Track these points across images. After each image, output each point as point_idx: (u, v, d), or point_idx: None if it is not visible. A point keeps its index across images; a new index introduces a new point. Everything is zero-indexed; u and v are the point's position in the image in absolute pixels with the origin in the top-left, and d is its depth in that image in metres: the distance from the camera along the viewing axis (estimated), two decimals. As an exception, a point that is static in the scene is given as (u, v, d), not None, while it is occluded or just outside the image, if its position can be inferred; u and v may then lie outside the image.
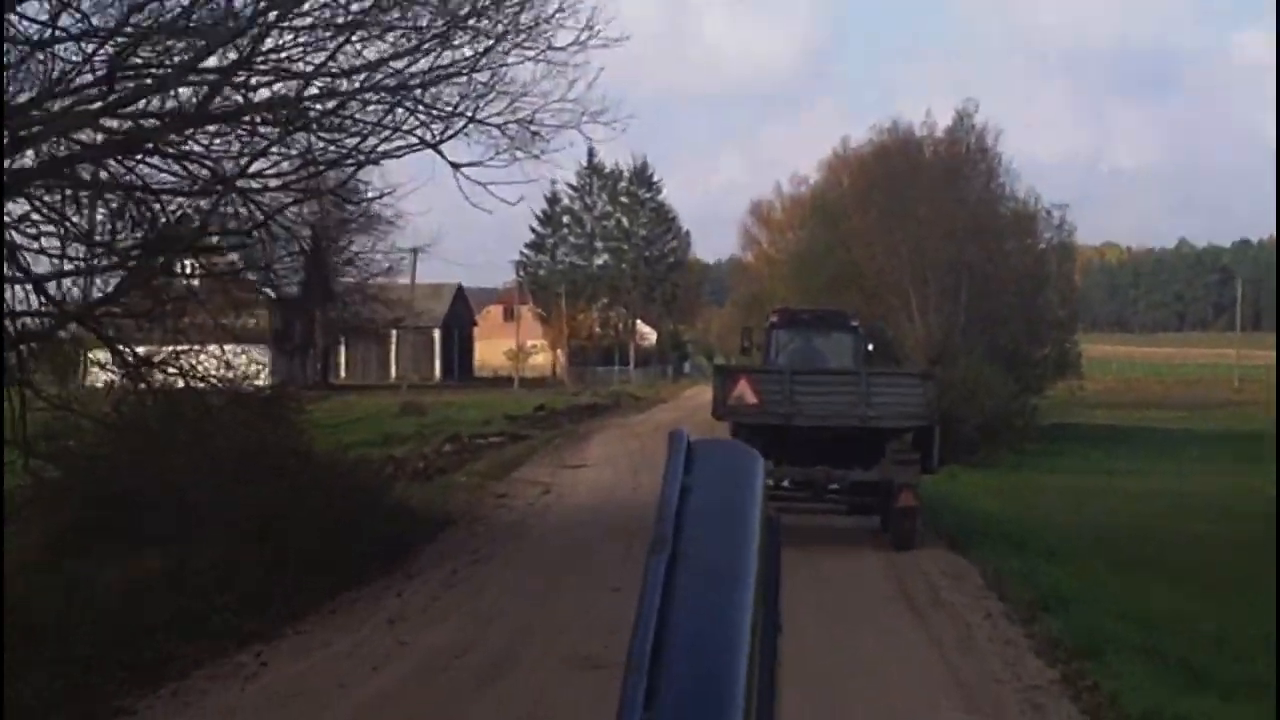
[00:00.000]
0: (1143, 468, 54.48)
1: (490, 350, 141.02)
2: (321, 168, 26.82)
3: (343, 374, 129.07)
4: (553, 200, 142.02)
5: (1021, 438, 57.54)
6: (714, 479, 1.79)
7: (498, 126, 26.73)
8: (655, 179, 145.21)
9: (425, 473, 42.12)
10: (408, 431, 60.82)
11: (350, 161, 26.71)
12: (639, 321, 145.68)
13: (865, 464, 27.48)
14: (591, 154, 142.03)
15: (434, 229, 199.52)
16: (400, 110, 25.35)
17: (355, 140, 25.69)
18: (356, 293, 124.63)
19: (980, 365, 55.13)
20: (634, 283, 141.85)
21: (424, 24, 24.83)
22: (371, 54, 24.56)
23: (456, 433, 58.04)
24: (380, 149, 25.82)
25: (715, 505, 1.73)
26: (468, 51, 25.54)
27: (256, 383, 36.22)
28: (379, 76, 24.70)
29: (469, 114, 25.29)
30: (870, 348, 34.90)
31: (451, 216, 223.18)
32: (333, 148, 25.76)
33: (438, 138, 25.41)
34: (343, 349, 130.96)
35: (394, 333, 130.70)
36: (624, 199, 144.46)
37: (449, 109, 25.38)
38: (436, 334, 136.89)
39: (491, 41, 25.68)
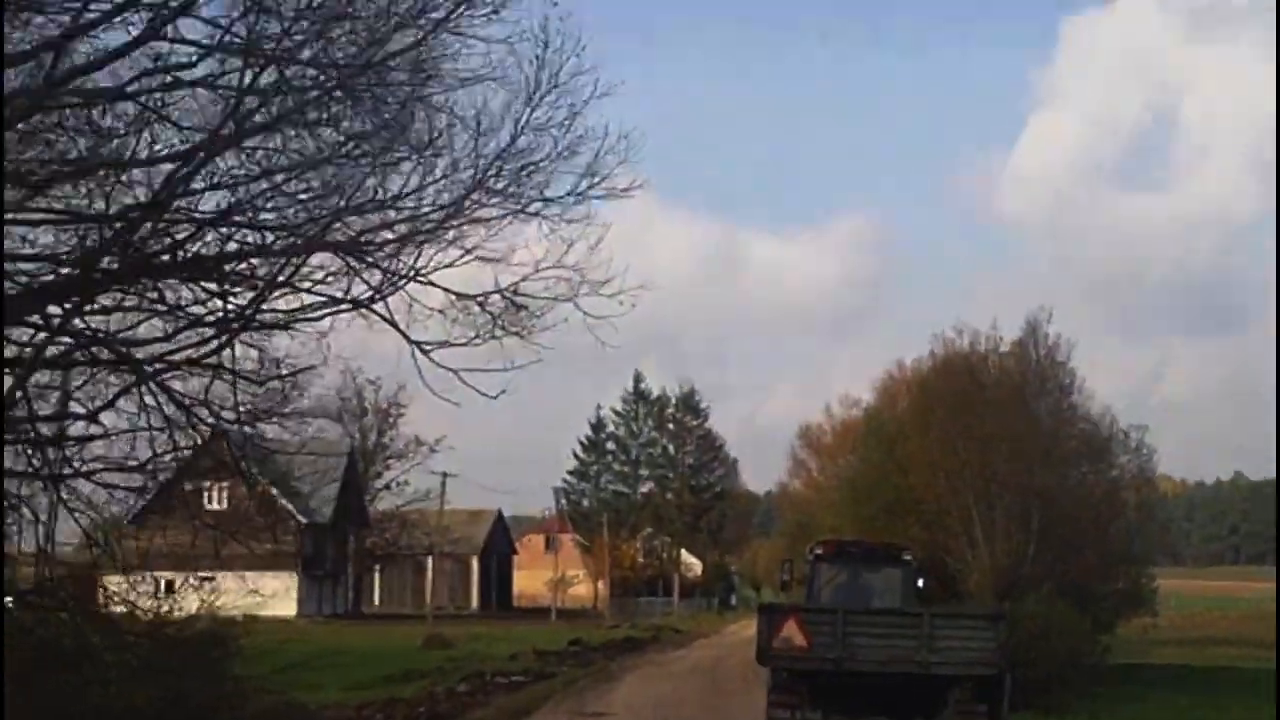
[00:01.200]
0: (1232, 715, 47.64)
1: (530, 580, 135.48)
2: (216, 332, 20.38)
3: (376, 602, 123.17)
4: (597, 426, 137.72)
5: (1095, 682, 50.90)
6: None
7: (470, 298, 21.00)
8: (702, 405, 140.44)
9: (421, 720, 36.06)
10: (428, 667, 56.28)
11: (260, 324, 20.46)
12: (684, 552, 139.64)
13: (925, 714, 24.69)
14: (638, 380, 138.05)
15: (473, 455, 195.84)
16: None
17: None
18: (392, 519, 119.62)
19: (1053, 600, 48.66)
20: (679, 512, 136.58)
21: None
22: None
23: (478, 670, 53.52)
24: (298, 310, 19.67)
25: None
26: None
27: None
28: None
29: (412, 270, 19.27)
30: (921, 583, 31.99)
31: (493, 444, 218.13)
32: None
33: (375, 295, 19.37)
34: (377, 576, 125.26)
35: (429, 560, 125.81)
36: (670, 426, 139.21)
37: (388, 266, 19.38)
38: (474, 562, 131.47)
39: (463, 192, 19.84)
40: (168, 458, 22.52)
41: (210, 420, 22.59)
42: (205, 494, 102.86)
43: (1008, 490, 53.47)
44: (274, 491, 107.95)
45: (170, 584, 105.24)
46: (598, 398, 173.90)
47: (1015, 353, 57.90)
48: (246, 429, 24.08)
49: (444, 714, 38.94)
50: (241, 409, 22.52)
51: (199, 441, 23.08)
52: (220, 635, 25.00)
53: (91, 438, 21.06)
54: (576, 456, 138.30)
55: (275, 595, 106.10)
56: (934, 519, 56.24)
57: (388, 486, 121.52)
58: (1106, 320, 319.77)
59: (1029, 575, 52.11)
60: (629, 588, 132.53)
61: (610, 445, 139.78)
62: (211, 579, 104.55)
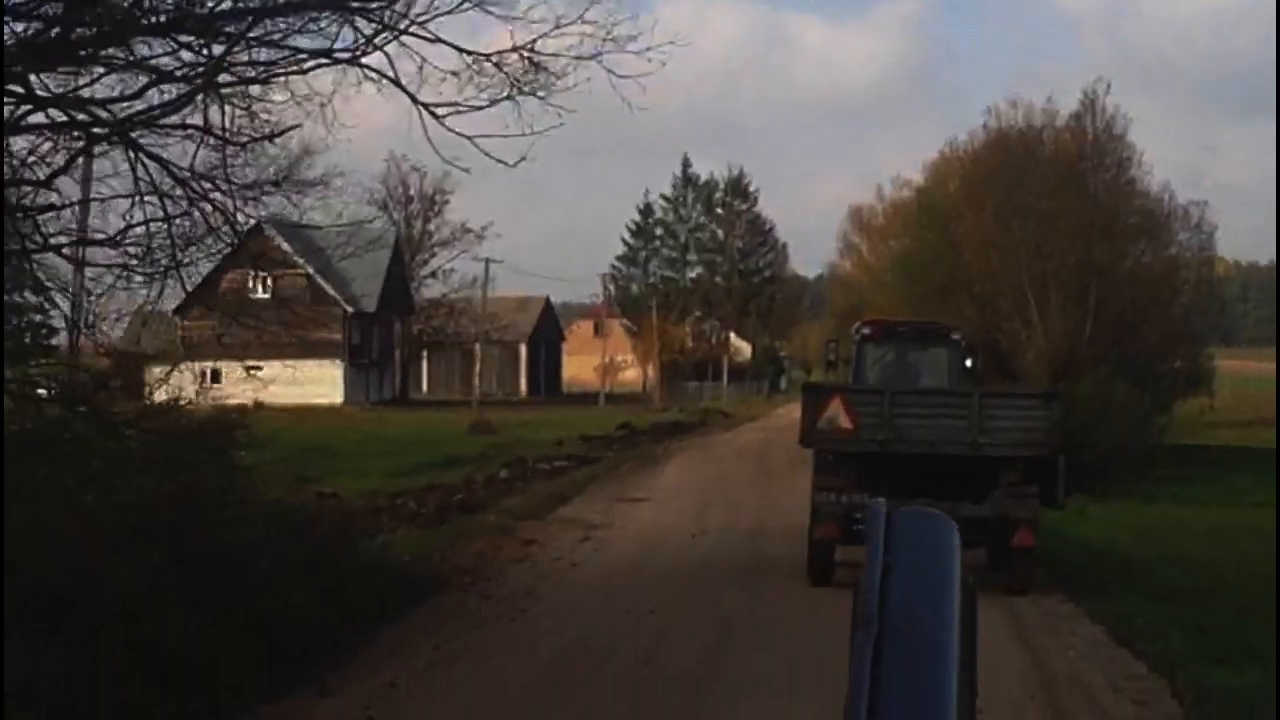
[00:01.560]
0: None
1: (579, 366, 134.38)
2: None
3: (424, 389, 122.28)
4: (645, 212, 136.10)
5: (1151, 464, 49.33)
6: (913, 553, 1.74)
7: (485, 56, 19.12)
8: (752, 189, 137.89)
9: (453, 509, 34.68)
10: (472, 453, 55.44)
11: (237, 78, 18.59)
12: (733, 336, 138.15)
13: (975, 497, 22.87)
14: (686, 164, 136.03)
15: (521, 243, 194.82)
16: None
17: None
18: (439, 306, 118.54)
19: (1110, 381, 46.94)
20: (728, 296, 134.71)
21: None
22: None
23: (521, 455, 52.22)
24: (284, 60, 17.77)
25: (916, 581, 1.70)
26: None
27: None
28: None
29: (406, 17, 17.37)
30: (970, 363, 30.67)
31: (542, 231, 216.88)
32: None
33: (367, 45, 17.50)
34: (424, 364, 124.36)
35: (478, 347, 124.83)
36: (719, 210, 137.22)
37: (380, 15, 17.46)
38: (523, 349, 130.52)
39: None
40: (160, 232, 20.42)
41: (210, 190, 20.73)
42: (251, 282, 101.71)
43: (1064, 268, 51.52)
44: (319, 279, 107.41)
45: (216, 373, 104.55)
46: (647, 185, 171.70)
47: (1071, 127, 55.51)
48: (251, 201, 22.00)
49: (480, 501, 37.49)
50: (236, 179, 20.63)
51: (199, 214, 21.07)
52: (228, 423, 23.07)
53: (52, 208, 19.16)
54: (625, 242, 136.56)
55: (322, 383, 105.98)
56: (987, 299, 54.42)
57: (434, 274, 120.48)
58: (1163, 107, 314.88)
59: (1085, 355, 50.36)
60: (678, 372, 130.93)
61: (659, 231, 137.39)
62: (258, 368, 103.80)
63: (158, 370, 27.48)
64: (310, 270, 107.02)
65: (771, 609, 21.06)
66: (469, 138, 20.67)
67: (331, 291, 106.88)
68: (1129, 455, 46.90)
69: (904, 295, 64.04)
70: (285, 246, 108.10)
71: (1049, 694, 15.89)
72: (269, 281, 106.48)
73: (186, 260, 20.47)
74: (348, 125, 20.89)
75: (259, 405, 29.91)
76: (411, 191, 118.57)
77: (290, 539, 20.53)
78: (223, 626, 16.09)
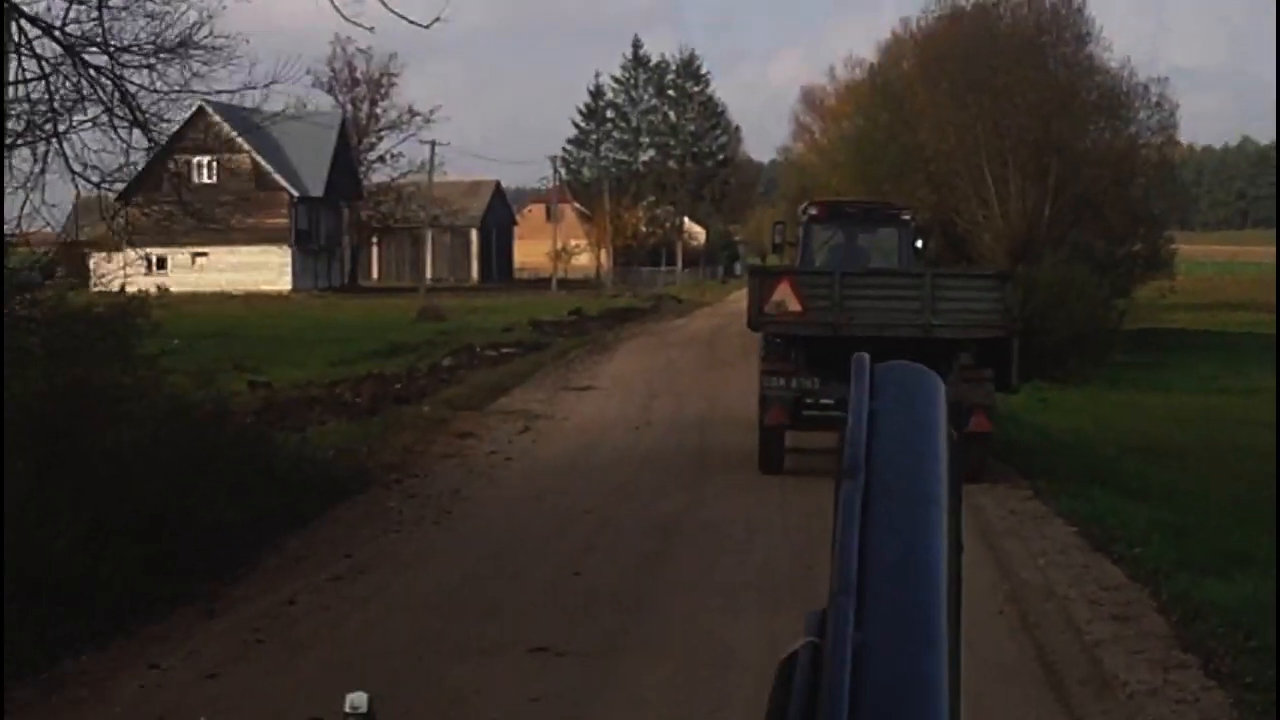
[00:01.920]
0: (1259, 383, 44.58)
1: (531, 251, 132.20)
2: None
3: (375, 276, 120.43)
4: (596, 94, 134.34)
5: (1111, 348, 47.92)
6: (898, 402, 1.73)
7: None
8: (704, 72, 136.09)
9: (389, 399, 33.03)
10: (417, 340, 54.08)
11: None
12: (687, 220, 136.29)
13: None
14: (637, 45, 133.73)
15: (470, 127, 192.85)
16: None
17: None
18: (387, 191, 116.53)
19: (1070, 264, 45.39)
20: (682, 180, 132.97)
21: None
22: None
23: (469, 342, 51.14)
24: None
25: (903, 428, 1.68)
26: None
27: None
28: None
29: None
30: (920, 244, 30.06)
31: (493, 115, 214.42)
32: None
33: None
34: (374, 250, 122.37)
35: (429, 233, 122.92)
36: (671, 93, 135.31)
37: None
38: (474, 234, 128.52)
39: None
40: (42, 105, 18.54)
41: (99, 59, 18.83)
42: (193, 167, 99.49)
43: (1022, 146, 49.82)
44: (264, 164, 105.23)
45: (162, 260, 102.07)
46: (597, 68, 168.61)
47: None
48: (145, 68, 20.11)
49: (420, 390, 35.94)
50: (124, 42, 18.73)
51: (91, 88, 19.18)
52: (127, 310, 21.23)
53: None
54: (576, 125, 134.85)
55: (269, 270, 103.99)
56: (943, 179, 52.89)
57: (382, 159, 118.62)
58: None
59: (1044, 237, 48.80)
60: (632, 257, 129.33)
61: (610, 114, 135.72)
62: (203, 254, 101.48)
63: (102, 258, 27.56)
64: (255, 154, 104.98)
65: (715, 509, 19.44)
66: (383, -2, 18.78)
67: (277, 176, 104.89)
68: (1089, 340, 45.48)
69: (857, 176, 62.64)
70: (228, 129, 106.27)
71: (1019, 607, 14.26)
72: (213, 165, 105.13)
73: (65, 129, 18.52)
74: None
75: (164, 292, 27.65)
76: (358, 74, 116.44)
77: (193, 434, 18.76)
78: (103, 538, 14.40)
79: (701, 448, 25.73)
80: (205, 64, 20.48)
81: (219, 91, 24.07)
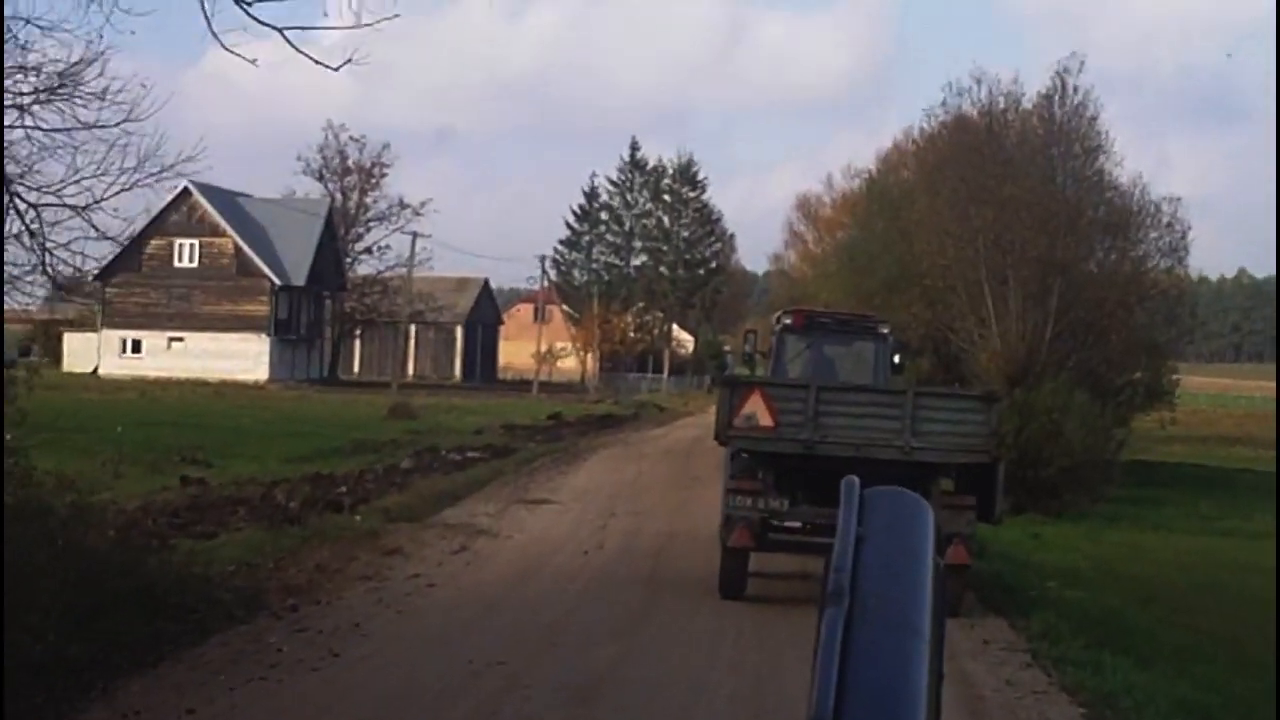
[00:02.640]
0: (1262, 526, 41.59)
1: (517, 352, 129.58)
2: None
3: (356, 369, 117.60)
4: (590, 195, 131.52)
5: (1107, 481, 44.90)
6: (886, 528, 1.73)
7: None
8: (701, 178, 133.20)
9: (321, 505, 30.04)
10: (383, 438, 51.48)
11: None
12: (676, 328, 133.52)
13: None
14: (634, 149, 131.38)
15: (461, 222, 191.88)
16: None
17: None
18: (372, 283, 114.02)
19: (1071, 390, 42.31)
20: (672, 286, 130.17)
21: None
22: None
23: (434, 444, 49.44)
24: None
25: (889, 556, 1.68)
26: None
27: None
28: None
29: None
30: (897, 359, 29.37)
31: (483, 213, 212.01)
32: None
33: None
34: (357, 343, 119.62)
35: (413, 328, 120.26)
36: (666, 197, 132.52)
37: None
38: (459, 331, 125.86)
39: None
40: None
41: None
42: (174, 250, 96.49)
43: (1024, 263, 46.59)
44: (247, 249, 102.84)
45: (137, 343, 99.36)
46: (593, 169, 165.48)
47: (1039, 108, 50.39)
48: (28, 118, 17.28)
49: (362, 495, 32.89)
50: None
51: None
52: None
53: None
54: (569, 226, 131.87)
55: (246, 358, 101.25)
56: (939, 294, 49.72)
57: (369, 250, 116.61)
58: (1119, 115, 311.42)
59: (1044, 361, 45.66)
60: (619, 362, 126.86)
61: (604, 215, 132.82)
62: (179, 339, 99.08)
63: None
64: (238, 239, 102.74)
65: (653, 665, 16.22)
66: (280, 29, 15.95)
67: (260, 263, 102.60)
68: (1085, 472, 42.47)
69: (849, 288, 59.88)
70: (214, 214, 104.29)
71: None
72: (195, 249, 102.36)
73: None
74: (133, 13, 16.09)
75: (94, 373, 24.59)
76: (349, 162, 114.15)
77: (26, 545, 15.57)
78: None
79: (652, 578, 22.60)
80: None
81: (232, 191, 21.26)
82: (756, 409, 21.03)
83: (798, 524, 21.20)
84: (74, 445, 33.01)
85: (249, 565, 21.51)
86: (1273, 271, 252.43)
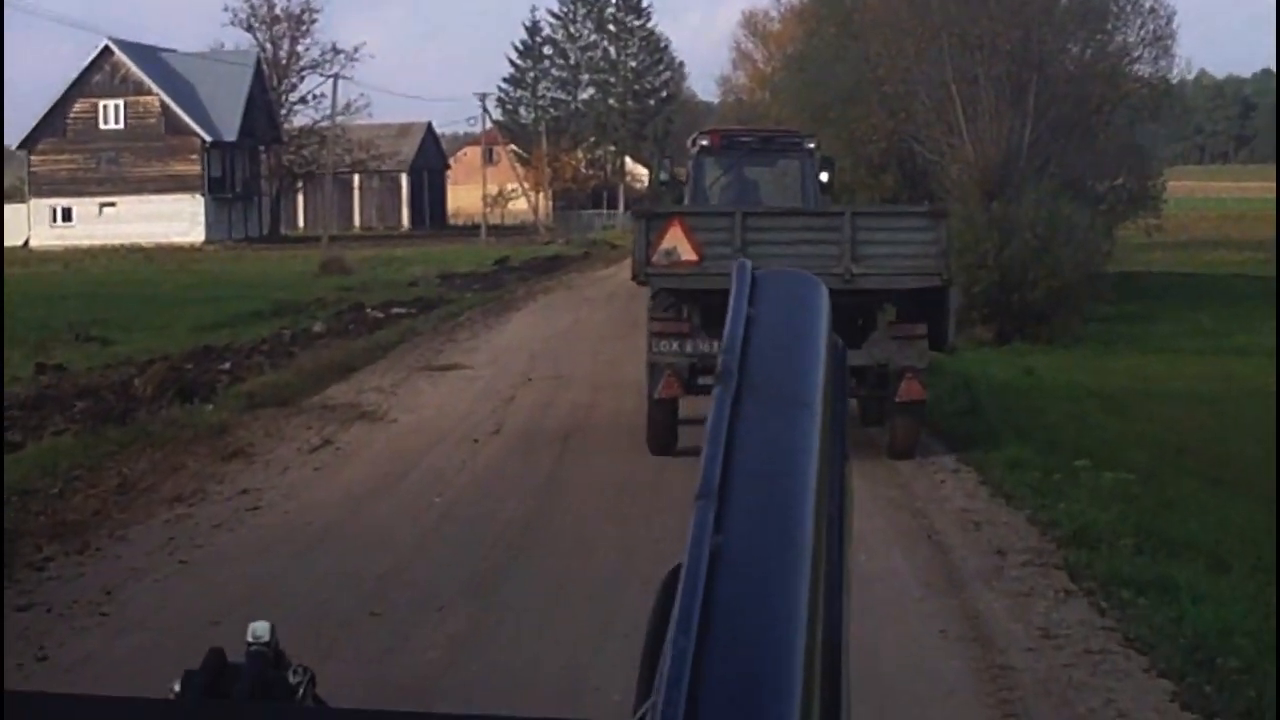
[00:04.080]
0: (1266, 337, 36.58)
1: (467, 196, 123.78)
2: None
3: (301, 225, 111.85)
4: (532, 30, 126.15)
5: (1098, 299, 40.04)
6: (777, 308, 1.72)
7: None
8: (645, 5, 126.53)
9: (176, 388, 25.00)
10: (308, 298, 47.65)
11: None
12: (629, 161, 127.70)
13: (848, 340, 11.68)
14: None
15: (398, 65, 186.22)
16: None
17: None
18: (309, 135, 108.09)
19: (1055, 201, 37.08)
20: (623, 119, 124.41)
21: None
22: None
23: (359, 301, 45.57)
24: None
25: (780, 334, 1.67)
26: None
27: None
28: None
29: None
30: (825, 178, 25.89)
31: (423, 57, 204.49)
32: None
33: None
34: (300, 197, 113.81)
35: (356, 178, 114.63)
36: (611, 27, 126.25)
37: None
38: (404, 179, 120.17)
39: None
40: None
41: None
42: (100, 112, 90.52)
43: (996, 59, 41.02)
44: (174, 107, 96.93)
45: (68, 211, 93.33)
46: (533, 1, 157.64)
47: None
48: None
49: (247, 371, 28.49)
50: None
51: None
52: None
53: None
54: (512, 63, 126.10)
55: (181, 219, 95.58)
56: (901, 102, 44.72)
57: (303, 100, 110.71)
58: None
59: (1023, 169, 40.23)
60: (572, 200, 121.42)
61: (547, 50, 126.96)
62: (111, 204, 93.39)
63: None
64: (165, 97, 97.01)
65: (513, 650, 10.65)
66: None
67: (188, 120, 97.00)
68: (1075, 292, 37.55)
69: (801, 103, 55.07)
70: (137, 72, 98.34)
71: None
72: (120, 110, 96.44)
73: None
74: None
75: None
76: (277, 10, 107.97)
77: None
78: None
79: (550, 481, 17.05)
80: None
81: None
82: (677, 242, 19.08)
83: None
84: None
85: (23, 493, 16.14)
86: (1232, 72, 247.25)
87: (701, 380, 18.76)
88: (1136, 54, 45.64)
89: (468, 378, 27.22)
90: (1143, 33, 45.06)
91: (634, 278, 19.90)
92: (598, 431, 20.52)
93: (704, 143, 25.85)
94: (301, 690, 1.79)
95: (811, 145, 26.07)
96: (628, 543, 13.49)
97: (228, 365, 29.92)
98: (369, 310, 42.55)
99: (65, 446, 19.17)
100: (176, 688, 1.67)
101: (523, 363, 29.33)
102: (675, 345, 19.05)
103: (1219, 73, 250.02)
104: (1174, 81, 48.71)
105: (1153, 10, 44.81)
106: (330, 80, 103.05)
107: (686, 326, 19.18)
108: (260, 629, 1.80)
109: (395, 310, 42.84)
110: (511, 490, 16.25)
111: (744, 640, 1.29)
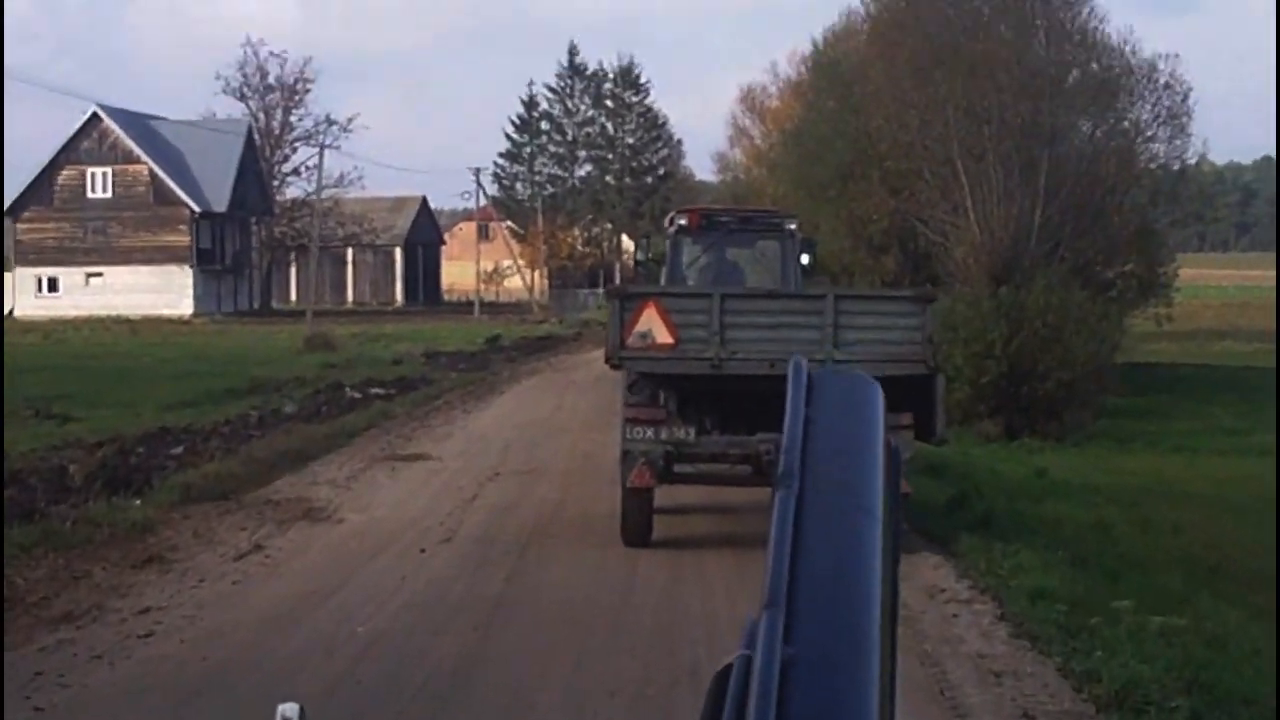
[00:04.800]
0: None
1: (461, 273, 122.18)
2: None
3: (293, 298, 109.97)
4: (529, 104, 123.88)
5: (1104, 391, 37.85)
6: (835, 408, 1.69)
7: None
8: (643, 81, 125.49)
9: (105, 480, 22.48)
10: (286, 376, 45.83)
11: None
12: (625, 239, 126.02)
13: None
14: (573, 53, 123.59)
15: (392, 139, 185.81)
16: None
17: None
18: (301, 206, 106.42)
19: (1067, 288, 34.96)
20: (620, 196, 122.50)
21: None
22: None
23: (338, 380, 43.77)
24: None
25: (839, 437, 1.64)
26: None
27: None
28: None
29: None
30: (806, 260, 25.61)
31: (418, 132, 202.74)
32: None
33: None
34: (293, 270, 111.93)
35: (350, 252, 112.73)
36: (609, 103, 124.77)
37: None
38: (398, 253, 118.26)
39: None
40: None
41: None
42: (88, 180, 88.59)
43: (1005, 133, 38.82)
44: (163, 176, 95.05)
45: (54, 281, 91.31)
46: (531, 77, 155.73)
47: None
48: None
49: (202, 456, 26.26)
50: None
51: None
52: None
53: None
54: (509, 137, 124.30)
55: (169, 292, 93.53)
56: (904, 179, 42.46)
57: (296, 171, 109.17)
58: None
59: (1033, 253, 38.04)
60: (568, 279, 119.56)
61: (544, 125, 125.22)
62: (98, 274, 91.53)
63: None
64: (154, 165, 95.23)
65: None
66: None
67: (177, 189, 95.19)
68: (1086, 384, 35.42)
69: (799, 180, 53.00)
70: (126, 140, 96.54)
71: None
72: (109, 178, 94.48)
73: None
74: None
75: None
76: (270, 79, 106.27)
77: None
78: None
79: (497, 609, 14.61)
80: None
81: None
82: (652, 324, 18.39)
83: (706, 455, 18.68)
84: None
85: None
86: (1233, 159, 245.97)
87: (678, 469, 18.30)
88: (1150, 133, 43.39)
89: (432, 470, 24.93)
90: (1157, 110, 42.86)
91: (607, 360, 18.82)
92: (563, 538, 18.26)
93: (681, 222, 25.20)
94: None
95: (793, 226, 25.49)
96: (580, 700, 11.13)
97: (179, 450, 27.80)
98: (347, 390, 40.90)
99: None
100: None
101: (495, 454, 27.08)
102: (650, 432, 18.36)
103: (1219, 159, 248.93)
104: (1191, 162, 46.36)
105: (1168, 86, 42.60)
106: (325, 153, 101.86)
107: (662, 413, 18.51)
108: (290, 711, 1.76)
109: (373, 390, 41.11)
110: (450, 619, 13.81)
111: None
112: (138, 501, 20.49)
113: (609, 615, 14.06)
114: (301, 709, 1.77)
